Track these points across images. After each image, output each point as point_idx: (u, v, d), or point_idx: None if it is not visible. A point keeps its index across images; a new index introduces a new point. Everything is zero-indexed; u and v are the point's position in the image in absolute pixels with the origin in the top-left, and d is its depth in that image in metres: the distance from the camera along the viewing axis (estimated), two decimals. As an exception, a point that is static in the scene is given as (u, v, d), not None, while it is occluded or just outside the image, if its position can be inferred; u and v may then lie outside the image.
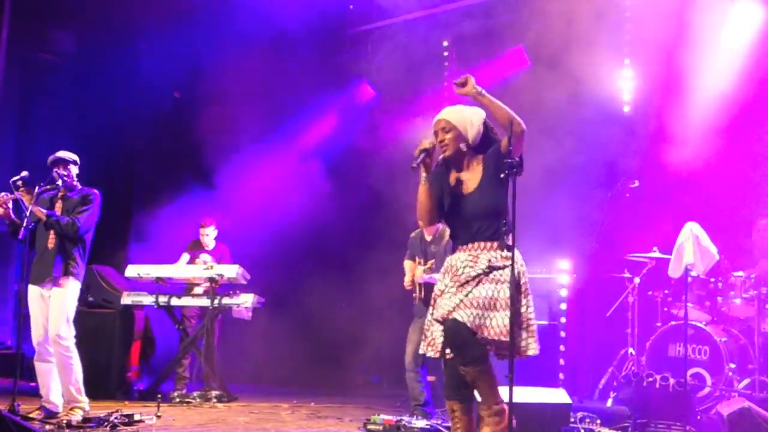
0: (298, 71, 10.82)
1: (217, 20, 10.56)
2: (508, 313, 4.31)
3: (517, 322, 4.38)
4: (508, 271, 4.37)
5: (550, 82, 8.73)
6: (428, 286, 7.20)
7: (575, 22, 8.66)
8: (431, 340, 4.55)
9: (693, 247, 6.51)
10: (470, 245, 4.55)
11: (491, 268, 4.42)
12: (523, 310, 4.44)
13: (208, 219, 9.29)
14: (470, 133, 4.63)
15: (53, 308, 6.55)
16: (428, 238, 7.39)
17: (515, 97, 8.98)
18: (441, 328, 4.48)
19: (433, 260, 7.19)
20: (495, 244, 4.50)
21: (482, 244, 4.52)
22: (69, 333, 6.56)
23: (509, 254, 4.40)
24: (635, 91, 9.21)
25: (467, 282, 4.42)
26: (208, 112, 11.01)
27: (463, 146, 4.64)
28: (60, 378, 6.58)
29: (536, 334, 4.51)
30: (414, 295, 7.41)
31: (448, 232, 7.25)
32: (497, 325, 4.34)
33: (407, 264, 7.55)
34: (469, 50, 10.25)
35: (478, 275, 4.41)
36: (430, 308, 4.66)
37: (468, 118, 4.64)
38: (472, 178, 4.64)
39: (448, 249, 7.02)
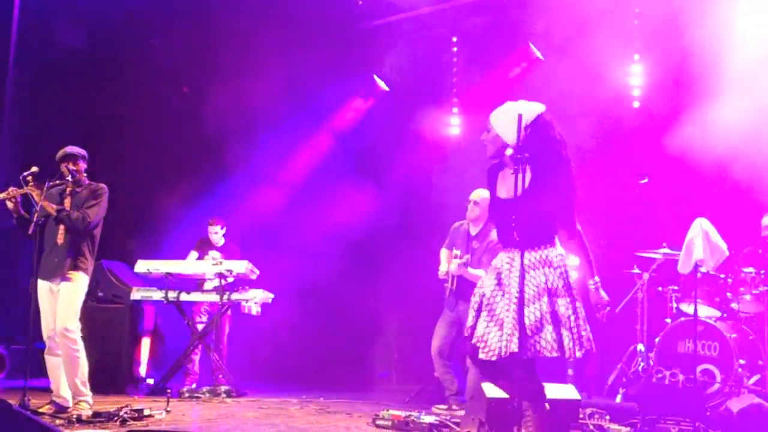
0: (309, 67, 10.81)
1: (227, 14, 10.56)
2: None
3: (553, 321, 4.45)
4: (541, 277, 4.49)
5: (559, 75, 8.71)
6: (461, 279, 7.22)
7: (584, 15, 8.64)
8: (484, 344, 4.49)
9: (703, 243, 6.48)
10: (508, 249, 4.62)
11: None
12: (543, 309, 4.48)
13: (216, 218, 9.35)
14: (508, 132, 4.55)
15: (62, 302, 6.58)
16: (473, 232, 7.39)
17: (525, 90, 9.04)
18: (497, 330, 4.47)
19: (469, 255, 7.16)
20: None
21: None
22: (76, 326, 6.59)
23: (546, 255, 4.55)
24: (645, 85, 9.17)
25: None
26: (220, 106, 11.01)
27: (508, 150, 4.60)
28: (66, 371, 6.60)
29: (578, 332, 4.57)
30: (446, 285, 7.42)
31: (494, 233, 7.28)
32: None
33: (443, 253, 7.58)
34: (478, 45, 10.23)
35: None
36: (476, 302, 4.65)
37: (510, 117, 4.55)
38: (511, 179, 4.52)
39: (491, 248, 7.05)
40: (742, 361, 7.17)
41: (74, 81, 11.02)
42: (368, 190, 10.61)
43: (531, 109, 4.57)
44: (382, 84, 11.12)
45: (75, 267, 6.63)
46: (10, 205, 6.57)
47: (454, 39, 10.69)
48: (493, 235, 7.23)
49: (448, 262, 7.43)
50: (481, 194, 7.29)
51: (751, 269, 7.45)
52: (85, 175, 6.87)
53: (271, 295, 8.79)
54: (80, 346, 6.61)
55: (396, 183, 10.33)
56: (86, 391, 6.64)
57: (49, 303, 6.67)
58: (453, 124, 10.77)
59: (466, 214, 7.43)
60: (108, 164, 9.43)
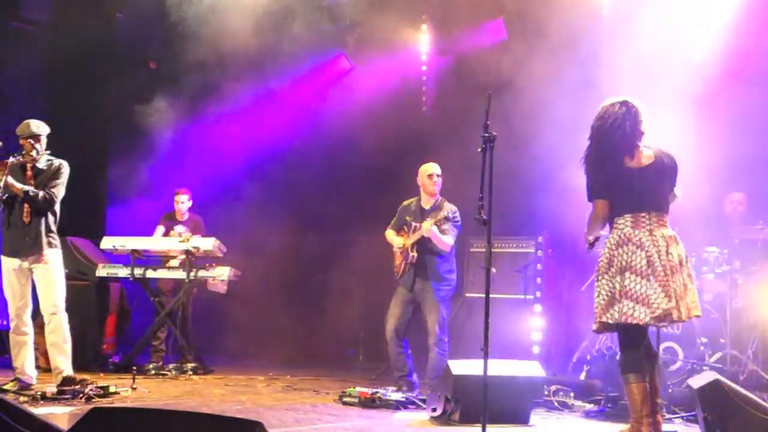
0: (276, 41, 10.72)
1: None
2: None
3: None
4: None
5: (529, 55, 8.71)
6: (422, 247, 7.19)
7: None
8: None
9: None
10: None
11: None
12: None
13: (182, 188, 9.26)
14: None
15: (45, 283, 6.63)
16: (427, 206, 7.40)
17: (496, 67, 9.05)
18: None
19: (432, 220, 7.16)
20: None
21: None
22: (64, 305, 6.67)
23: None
24: (611, 65, 9.17)
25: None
26: (184, 80, 10.91)
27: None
28: (60, 351, 6.65)
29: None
30: (398, 263, 7.38)
31: (447, 204, 7.30)
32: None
33: (391, 233, 7.56)
34: (448, 22, 10.20)
35: None
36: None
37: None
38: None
39: (450, 218, 7.09)
40: (704, 339, 7.28)
41: (38, 53, 10.85)
42: (336, 166, 10.59)
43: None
44: (348, 60, 11.07)
45: (49, 245, 6.67)
46: (-27, 182, 6.49)
47: (423, 17, 10.65)
48: (447, 206, 7.27)
49: (404, 239, 7.39)
50: (438, 168, 7.38)
51: (714, 248, 7.54)
52: (48, 152, 6.81)
53: (239, 273, 8.76)
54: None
55: (365, 160, 10.30)
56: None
57: (17, 281, 6.65)
58: (423, 100, 10.76)
59: (427, 189, 7.39)
60: (74, 137, 9.35)
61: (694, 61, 8.10)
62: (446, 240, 7.12)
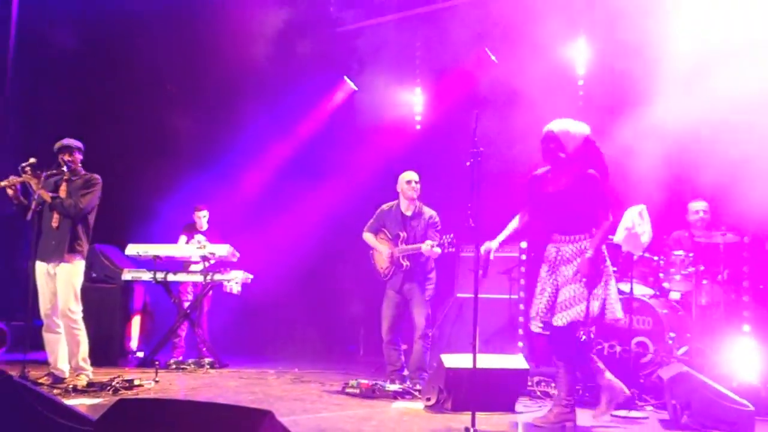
0: (283, 68, 10.76)
1: (213, 16, 10.46)
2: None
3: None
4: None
5: (507, 61, 8.72)
6: (414, 261, 7.17)
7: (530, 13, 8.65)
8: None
9: (625, 232, 6.58)
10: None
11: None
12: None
13: (201, 204, 9.36)
14: (569, 143, 5.19)
15: (62, 284, 6.54)
16: (408, 213, 7.35)
17: (485, 81, 9.07)
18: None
19: (406, 234, 7.14)
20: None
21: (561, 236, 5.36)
22: (77, 307, 6.58)
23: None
24: (589, 65, 9.11)
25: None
26: (202, 103, 10.94)
27: (561, 154, 5.21)
28: (69, 349, 6.59)
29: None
30: (383, 267, 7.33)
31: (426, 209, 7.28)
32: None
33: (370, 236, 7.48)
34: (438, 49, 10.24)
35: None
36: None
37: (570, 130, 5.23)
38: (562, 181, 5.23)
39: (431, 224, 7.08)
40: (672, 334, 7.30)
41: (69, 77, 10.88)
42: (339, 177, 10.61)
43: (585, 129, 5.26)
44: (351, 84, 11.12)
45: (72, 250, 6.60)
46: (10, 192, 6.52)
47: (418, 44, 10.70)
48: (427, 211, 7.27)
49: (390, 246, 7.35)
50: (417, 176, 7.36)
51: (680, 252, 7.57)
52: (80, 165, 6.83)
53: (251, 276, 8.79)
54: (81, 326, 6.60)
55: (366, 171, 10.34)
56: (87, 366, 6.64)
57: (46, 283, 6.63)
58: (416, 118, 10.81)
59: (406, 195, 7.31)
60: (101, 155, 9.36)
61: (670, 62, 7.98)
62: (438, 252, 7.11)
